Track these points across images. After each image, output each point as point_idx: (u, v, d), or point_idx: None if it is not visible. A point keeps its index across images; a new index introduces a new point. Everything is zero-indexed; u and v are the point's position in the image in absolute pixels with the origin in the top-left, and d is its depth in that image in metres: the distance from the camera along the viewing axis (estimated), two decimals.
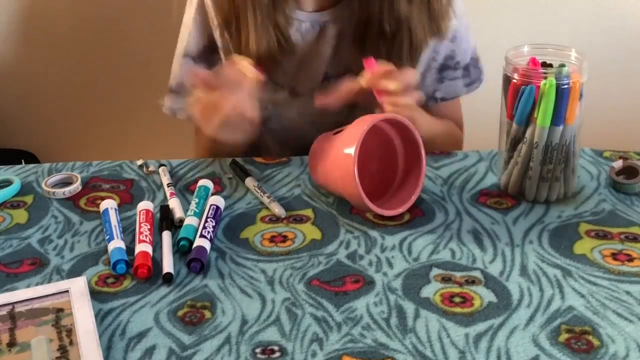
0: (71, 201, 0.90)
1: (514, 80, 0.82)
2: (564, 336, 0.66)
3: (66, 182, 0.94)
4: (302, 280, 0.74)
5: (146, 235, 0.79)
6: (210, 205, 0.84)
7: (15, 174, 0.97)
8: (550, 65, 0.83)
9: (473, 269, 0.75)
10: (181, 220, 0.83)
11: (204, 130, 0.90)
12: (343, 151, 0.81)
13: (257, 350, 0.65)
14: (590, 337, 0.65)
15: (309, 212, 0.87)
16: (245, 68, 0.88)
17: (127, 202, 0.90)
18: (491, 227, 0.82)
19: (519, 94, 0.82)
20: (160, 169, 0.95)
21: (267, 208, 0.87)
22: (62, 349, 0.64)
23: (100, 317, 0.70)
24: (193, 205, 0.85)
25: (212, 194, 0.89)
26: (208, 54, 1.07)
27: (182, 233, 0.80)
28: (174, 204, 0.86)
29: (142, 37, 1.72)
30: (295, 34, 1.03)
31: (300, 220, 0.85)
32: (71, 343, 0.65)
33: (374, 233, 0.82)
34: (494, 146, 0.91)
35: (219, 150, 1.01)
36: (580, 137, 0.86)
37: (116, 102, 1.82)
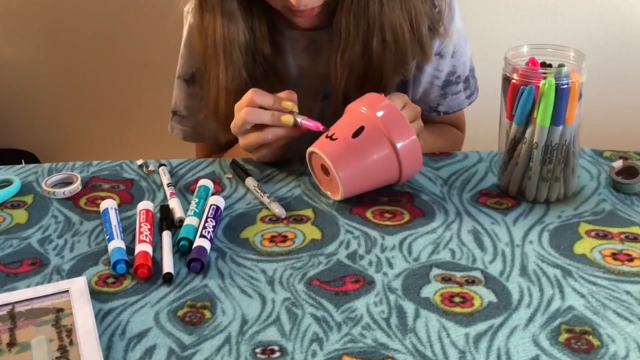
0: (71, 201, 0.90)
1: (514, 81, 0.82)
2: (564, 336, 0.66)
3: (66, 182, 0.94)
4: (302, 280, 0.74)
5: (146, 235, 0.79)
6: (210, 205, 0.84)
7: (15, 174, 0.97)
8: (550, 65, 0.83)
9: (473, 269, 0.75)
10: (181, 220, 0.84)
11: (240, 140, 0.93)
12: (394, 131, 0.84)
13: (257, 350, 0.65)
14: (590, 337, 0.65)
15: (309, 212, 0.87)
16: (286, 106, 0.90)
17: (127, 202, 0.90)
18: (491, 227, 0.83)
19: (518, 94, 0.82)
20: (160, 169, 0.95)
21: (267, 208, 0.87)
22: (62, 349, 0.64)
23: (100, 317, 0.70)
24: (193, 205, 0.85)
25: (212, 194, 0.89)
26: (199, 77, 1.07)
27: (182, 233, 0.80)
28: (174, 204, 0.86)
29: (142, 38, 1.72)
30: (291, 54, 1.03)
31: (300, 220, 0.85)
32: (71, 343, 0.65)
33: (374, 233, 0.82)
34: (494, 146, 0.91)
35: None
36: (580, 137, 0.86)
37: (116, 102, 1.82)
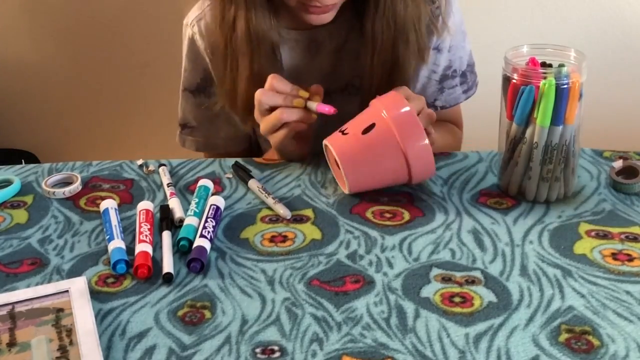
0: (71, 201, 0.90)
1: (514, 81, 0.82)
2: (564, 336, 0.66)
3: (66, 182, 0.94)
4: (302, 280, 0.74)
5: (146, 235, 0.79)
6: (210, 205, 0.84)
7: (15, 174, 0.97)
8: (550, 65, 0.83)
9: (473, 269, 0.75)
10: (181, 220, 0.83)
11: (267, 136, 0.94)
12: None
13: (257, 350, 0.65)
14: (590, 337, 0.65)
15: (309, 212, 0.87)
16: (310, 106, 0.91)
17: (127, 202, 0.90)
18: (491, 227, 0.83)
19: (518, 94, 0.82)
20: (160, 169, 0.95)
21: (267, 208, 0.87)
22: (62, 349, 0.64)
23: (100, 317, 0.70)
24: (193, 205, 0.85)
25: (212, 194, 0.89)
26: (205, 87, 1.09)
27: (182, 233, 0.80)
28: (174, 204, 0.86)
29: (143, 38, 1.72)
30: (291, 53, 1.03)
31: (300, 220, 0.85)
32: (71, 343, 0.65)
33: (374, 233, 0.82)
34: (494, 146, 0.91)
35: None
36: (580, 137, 0.86)
37: (116, 102, 1.82)
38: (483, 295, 0.71)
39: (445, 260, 0.77)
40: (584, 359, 0.63)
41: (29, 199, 0.91)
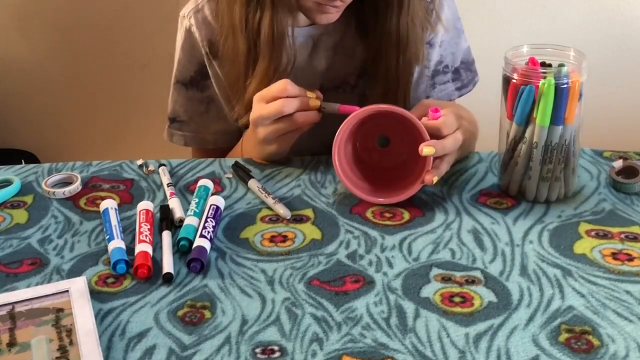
0: (71, 201, 0.90)
1: (514, 81, 0.82)
2: (564, 336, 0.66)
3: (66, 182, 0.94)
4: (302, 280, 0.74)
5: (146, 235, 0.79)
6: (210, 205, 0.84)
7: (15, 174, 0.97)
8: (550, 65, 0.83)
9: (473, 269, 0.75)
10: (181, 220, 0.83)
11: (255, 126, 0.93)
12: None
13: (257, 350, 0.65)
14: (590, 337, 0.65)
15: (309, 212, 0.87)
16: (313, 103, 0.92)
17: (127, 202, 0.90)
18: (491, 227, 0.83)
19: (518, 94, 0.82)
20: (160, 169, 0.95)
21: (267, 208, 0.87)
22: (62, 349, 0.64)
23: (100, 317, 0.70)
24: (193, 205, 0.85)
25: (212, 194, 0.89)
26: (199, 80, 1.08)
27: (182, 233, 0.80)
28: (174, 203, 0.86)
29: (142, 38, 1.72)
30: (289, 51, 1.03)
31: (300, 220, 0.85)
32: (71, 343, 0.65)
33: (374, 233, 0.82)
34: (493, 146, 0.91)
35: None
36: (580, 137, 0.86)
37: (116, 102, 1.82)
38: (483, 295, 0.71)
39: (445, 260, 0.77)
40: (584, 359, 0.63)
41: (29, 199, 0.91)
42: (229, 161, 0.98)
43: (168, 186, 0.91)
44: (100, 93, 1.82)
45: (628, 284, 0.72)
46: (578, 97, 0.81)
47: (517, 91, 0.82)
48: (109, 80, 1.79)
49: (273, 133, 0.92)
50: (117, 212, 0.85)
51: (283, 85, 0.91)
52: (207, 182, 0.90)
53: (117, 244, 0.78)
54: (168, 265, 0.75)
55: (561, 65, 0.82)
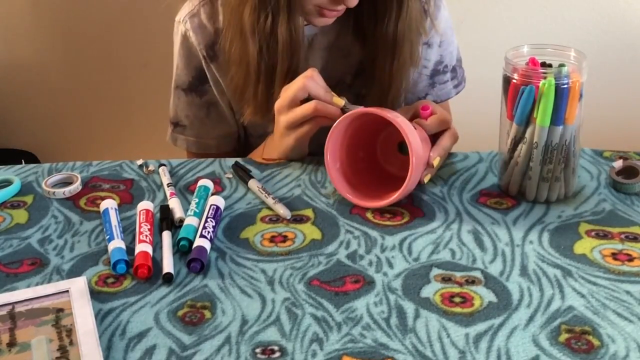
0: (71, 201, 0.90)
1: (514, 81, 0.82)
2: (564, 336, 0.66)
3: (66, 182, 0.94)
4: (302, 280, 0.74)
5: (146, 235, 0.79)
6: (210, 205, 0.84)
7: (15, 174, 0.97)
8: (550, 65, 0.83)
9: (473, 269, 0.75)
10: (181, 220, 0.83)
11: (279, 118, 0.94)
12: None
13: (257, 350, 0.65)
14: (590, 337, 0.65)
15: (309, 212, 0.87)
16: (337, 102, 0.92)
17: (127, 202, 0.90)
18: (491, 227, 0.83)
19: (518, 94, 0.82)
20: (160, 169, 0.95)
21: (267, 208, 0.87)
22: (62, 349, 0.64)
23: (100, 317, 0.70)
24: (193, 205, 0.85)
25: (212, 194, 0.89)
26: (198, 85, 1.08)
27: (182, 233, 0.80)
28: (174, 204, 0.86)
29: (142, 38, 1.72)
30: None
31: (300, 220, 0.85)
32: (71, 343, 0.65)
33: (374, 233, 0.82)
34: (494, 146, 0.91)
35: None
36: (580, 137, 0.86)
37: (116, 102, 1.82)
38: (483, 295, 0.71)
39: (445, 260, 0.77)
40: (584, 359, 0.63)
41: (29, 199, 0.91)
42: (229, 161, 0.98)
43: (168, 186, 0.91)
44: (101, 93, 1.82)
45: (628, 284, 0.72)
46: (578, 97, 0.81)
47: (518, 91, 0.82)
48: (109, 80, 1.79)
49: (292, 119, 0.92)
50: (117, 212, 0.85)
51: (310, 72, 0.92)
52: (207, 182, 0.90)
53: (117, 244, 0.78)
54: (168, 266, 0.75)
55: (561, 65, 0.82)
